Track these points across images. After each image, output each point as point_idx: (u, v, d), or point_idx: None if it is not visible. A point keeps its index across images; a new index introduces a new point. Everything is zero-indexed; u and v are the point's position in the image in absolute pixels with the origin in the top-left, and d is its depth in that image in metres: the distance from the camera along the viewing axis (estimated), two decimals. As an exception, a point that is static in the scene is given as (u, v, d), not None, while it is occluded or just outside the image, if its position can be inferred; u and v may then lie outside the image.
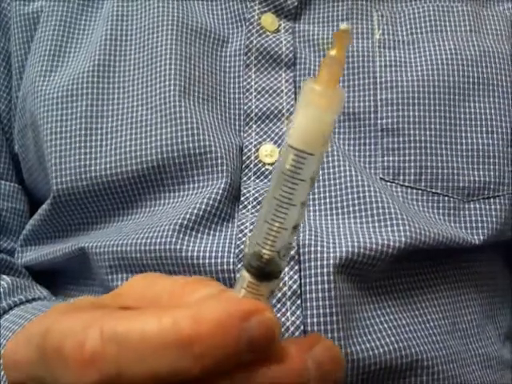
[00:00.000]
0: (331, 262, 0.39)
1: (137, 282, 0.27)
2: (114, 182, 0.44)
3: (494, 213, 0.44)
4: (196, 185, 0.43)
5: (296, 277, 0.38)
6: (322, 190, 0.43)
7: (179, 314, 0.20)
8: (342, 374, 0.23)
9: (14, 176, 0.52)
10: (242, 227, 0.41)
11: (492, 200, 0.44)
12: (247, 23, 0.47)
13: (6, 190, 0.51)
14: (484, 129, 0.45)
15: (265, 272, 0.23)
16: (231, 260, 0.39)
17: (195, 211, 0.41)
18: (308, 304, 0.38)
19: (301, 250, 0.39)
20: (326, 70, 0.21)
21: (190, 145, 0.43)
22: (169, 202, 0.44)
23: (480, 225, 0.44)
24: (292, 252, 0.39)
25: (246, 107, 0.45)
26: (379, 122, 0.44)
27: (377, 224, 0.41)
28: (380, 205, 0.41)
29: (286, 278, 0.38)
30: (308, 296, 0.38)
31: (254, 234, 0.23)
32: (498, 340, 0.46)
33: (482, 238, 0.43)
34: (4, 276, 0.46)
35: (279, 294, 0.38)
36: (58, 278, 0.50)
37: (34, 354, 0.22)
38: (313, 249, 0.39)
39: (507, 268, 0.50)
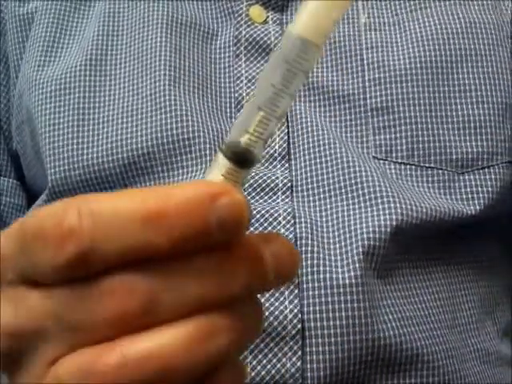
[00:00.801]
0: (326, 252, 0.40)
1: None
2: (105, 171, 0.45)
3: (488, 183, 0.44)
4: (185, 170, 0.43)
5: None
6: (314, 173, 0.43)
7: (150, 193, 0.21)
8: (297, 269, 0.23)
9: (13, 172, 0.53)
10: None
11: (486, 170, 0.44)
12: (236, 15, 0.48)
13: (5, 185, 0.52)
14: (474, 99, 0.45)
15: (246, 158, 0.22)
16: None
17: None
18: (305, 293, 0.38)
19: (298, 242, 0.40)
20: None
21: (179, 131, 0.43)
22: None
23: (475, 195, 0.44)
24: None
25: (237, 94, 0.46)
26: (368, 101, 0.45)
27: (368, 205, 0.41)
28: (371, 184, 0.41)
29: None
30: (305, 286, 0.39)
31: (240, 121, 0.22)
32: (496, 336, 0.46)
33: (478, 208, 0.43)
34: None
35: None
36: None
37: (13, 244, 0.22)
38: (310, 242, 0.40)
39: (506, 263, 0.50)
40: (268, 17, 0.48)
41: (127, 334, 0.20)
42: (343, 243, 0.40)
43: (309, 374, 0.37)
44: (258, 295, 0.24)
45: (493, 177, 0.44)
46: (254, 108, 0.22)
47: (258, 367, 0.37)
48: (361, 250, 0.39)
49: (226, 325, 0.21)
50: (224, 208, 0.20)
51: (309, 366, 0.37)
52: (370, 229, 0.40)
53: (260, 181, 0.42)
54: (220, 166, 0.22)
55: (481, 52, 0.46)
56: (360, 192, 0.42)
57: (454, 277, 0.44)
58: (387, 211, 0.40)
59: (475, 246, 0.46)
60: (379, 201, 0.41)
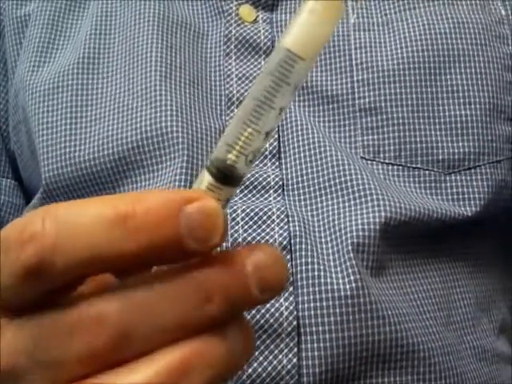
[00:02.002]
0: (319, 250, 0.40)
1: None
2: (96, 166, 0.45)
3: (475, 183, 0.44)
4: (174, 161, 0.43)
5: (288, 265, 0.39)
6: (304, 172, 0.43)
7: (120, 198, 0.20)
8: (285, 281, 0.21)
9: (11, 173, 0.53)
10: (234, 215, 0.41)
11: (473, 170, 0.44)
12: (226, 14, 0.49)
13: (3, 185, 0.52)
14: (462, 100, 0.45)
15: (229, 175, 0.21)
16: (224, 249, 0.40)
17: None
18: (299, 291, 0.38)
19: (292, 241, 0.40)
20: None
21: (168, 123, 0.43)
22: (149, 183, 0.44)
23: (464, 196, 0.44)
24: (284, 242, 0.40)
25: (227, 92, 0.46)
26: (357, 102, 0.45)
27: (358, 203, 0.41)
28: (360, 182, 0.41)
29: None
30: (299, 284, 0.39)
31: (225, 136, 0.21)
32: (492, 333, 0.46)
33: (468, 208, 0.43)
34: None
35: None
36: None
37: None
38: (304, 240, 0.40)
39: (501, 262, 0.50)
40: (258, 16, 0.48)
41: (100, 370, 0.19)
42: (334, 241, 0.40)
43: (305, 371, 0.37)
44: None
45: (479, 177, 0.44)
46: (238, 123, 0.21)
47: (255, 364, 0.37)
48: (350, 247, 0.39)
49: (209, 353, 0.19)
50: (194, 213, 0.19)
51: (305, 362, 0.37)
52: (360, 226, 0.40)
53: (252, 179, 0.43)
54: (203, 182, 0.21)
55: (469, 52, 0.46)
56: (350, 190, 0.42)
57: (447, 275, 0.44)
58: (376, 208, 0.40)
59: (468, 245, 0.46)
60: (368, 198, 0.41)
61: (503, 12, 0.49)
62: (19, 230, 0.19)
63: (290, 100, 0.21)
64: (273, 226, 0.40)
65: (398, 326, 0.39)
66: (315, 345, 0.37)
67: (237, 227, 0.40)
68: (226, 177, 0.21)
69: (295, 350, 0.37)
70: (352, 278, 0.38)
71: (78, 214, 0.19)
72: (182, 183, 0.42)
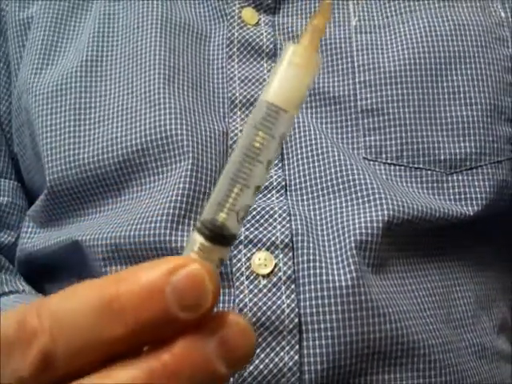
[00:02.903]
0: (321, 248, 0.40)
1: None
2: (101, 168, 0.45)
3: (477, 183, 0.44)
4: (177, 165, 0.43)
5: (290, 263, 0.40)
6: (307, 172, 0.44)
7: (106, 281, 0.19)
8: (251, 356, 0.20)
9: (14, 175, 0.53)
10: None
11: (474, 171, 0.45)
12: (228, 17, 0.49)
13: (6, 186, 0.52)
14: (463, 101, 0.45)
15: (221, 234, 0.21)
16: None
17: (177, 197, 0.42)
18: (301, 288, 0.39)
19: (294, 239, 0.40)
20: (307, 35, 0.22)
21: (172, 127, 0.44)
22: (154, 186, 0.44)
23: (466, 196, 0.44)
24: (286, 240, 0.40)
25: (230, 94, 0.47)
26: (359, 103, 0.45)
27: (361, 202, 0.42)
28: (363, 182, 0.42)
29: (281, 264, 0.40)
30: (301, 281, 0.39)
31: (214, 193, 0.21)
32: (492, 331, 0.46)
33: (470, 208, 0.44)
34: None
35: (274, 279, 0.40)
36: (56, 276, 0.50)
37: None
38: (306, 238, 0.40)
39: (502, 262, 0.50)
40: (260, 19, 0.49)
41: None
42: (337, 239, 0.41)
43: (306, 368, 0.38)
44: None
45: (481, 177, 0.45)
46: (226, 180, 0.21)
47: (256, 361, 0.38)
48: (353, 245, 0.40)
49: None
50: (181, 281, 0.19)
51: (306, 359, 0.38)
52: (362, 224, 0.40)
53: None
54: (193, 243, 0.21)
55: (470, 54, 0.46)
56: (352, 189, 0.42)
57: (447, 273, 0.44)
58: (379, 207, 0.41)
59: (469, 245, 0.46)
60: (371, 198, 0.41)
61: (503, 14, 0.49)
62: (18, 329, 0.19)
63: (276, 152, 0.21)
64: (275, 224, 0.41)
65: (398, 324, 0.39)
66: (317, 342, 0.38)
67: None
68: (218, 236, 0.21)
69: (297, 347, 0.38)
70: (354, 275, 0.39)
71: (68, 307, 0.19)
72: (187, 185, 0.42)
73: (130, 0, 0.50)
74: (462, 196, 0.44)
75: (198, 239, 0.21)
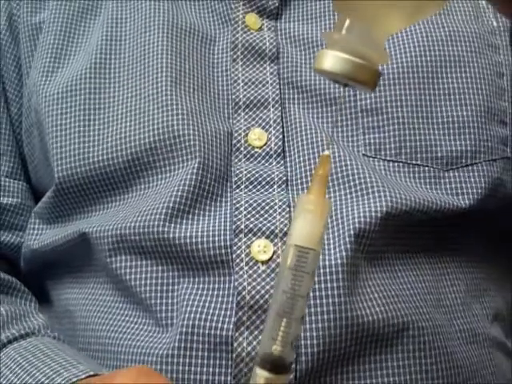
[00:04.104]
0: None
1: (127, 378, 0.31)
2: (109, 167, 0.47)
3: (472, 179, 0.47)
4: (184, 164, 0.46)
5: None
6: (308, 168, 0.46)
7: None
8: None
9: (23, 176, 0.55)
10: (238, 205, 0.44)
11: (470, 168, 0.47)
12: (232, 22, 0.52)
13: (16, 187, 0.54)
14: (458, 102, 0.48)
15: (280, 365, 0.25)
16: (227, 237, 0.43)
17: (183, 193, 0.44)
18: None
19: None
20: (315, 185, 0.27)
21: (180, 127, 0.46)
22: (161, 183, 0.46)
23: (462, 190, 0.46)
24: (285, 228, 0.43)
25: (234, 96, 0.49)
26: (359, 103, 0.47)
27: (360, 195, 0.44)
28: (362, 176, 0.44)
29: (280, 251, 0.42)
30: None
31: (266, 331, 0.25)
32: (484, 319, 0.48)
33: (467, 202, 0.46)
34: (2, 302, 0.48)
35: (273, 265, 0.42)
36: (63, 268, 0.52)
37: None
38: None
39: (492, 252, 0.52)
40: (263, 24, 0.51)
41: None
42: (335, 228, 0.43)
43: (302, 351, 0.40)
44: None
45: (476, 174, 0.47)
46: (274, 316, 0.25)
47: (254, 342, 0.40)
48: (352, 232, 0.42)
49: None
50: None
51: (302, 342, 0.40)
52: (361, 214, 0.43)
53: (257, 175, 0.46)
54: (260, 378, 0.25)
55: (464, 58, 0.49)
56: (352, 183, 0.44)
57: (437, 262, 0.47)
58: (377, 199, 0.43)
59: (460, 237, 0.48)
60: (370, 190, 0.44)
61: (495, 23, 0.51)
62: None
63: (311, 285, 0.26)
64: (275, 214, 0.43)
65: (387, 307, 0.41)
66: (313, 325, 0.40)
67: (240, 216, 0.43)
68: (278, 367, 0.25)
69: None
70: (345, 261, 0.41)
71: None
72: (193, 182, 0.44)
73: (137, 4, 0.53)
74: (459, 191, 0.46)
75: (262, 373, 0.25)
